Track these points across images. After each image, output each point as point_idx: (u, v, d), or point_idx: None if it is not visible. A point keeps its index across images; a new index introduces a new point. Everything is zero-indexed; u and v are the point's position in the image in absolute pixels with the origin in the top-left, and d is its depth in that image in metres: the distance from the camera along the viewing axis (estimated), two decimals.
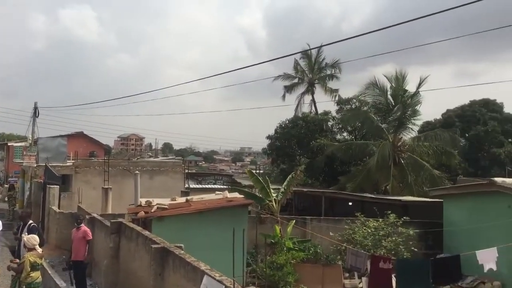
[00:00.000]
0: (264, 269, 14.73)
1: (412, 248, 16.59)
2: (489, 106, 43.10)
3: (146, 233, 10.79)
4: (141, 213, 13.60)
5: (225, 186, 30.44)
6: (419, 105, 28.67)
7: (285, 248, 16.05)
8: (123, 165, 27.13)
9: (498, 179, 15.61)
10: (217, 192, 16.83)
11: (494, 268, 12.32)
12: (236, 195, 16.37)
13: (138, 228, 11.39)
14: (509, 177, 23.75)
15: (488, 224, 15.14)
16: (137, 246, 10.72)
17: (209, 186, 34.82)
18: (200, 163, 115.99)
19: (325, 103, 60.31)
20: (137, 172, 20.67)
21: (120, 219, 12.94)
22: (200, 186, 34.67)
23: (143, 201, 15.20)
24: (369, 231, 16.91)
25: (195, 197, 15.73)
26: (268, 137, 36.87)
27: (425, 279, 13.37)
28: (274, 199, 18.27)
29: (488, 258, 12.12)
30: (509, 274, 14.33)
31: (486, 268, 12.33)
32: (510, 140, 40.88)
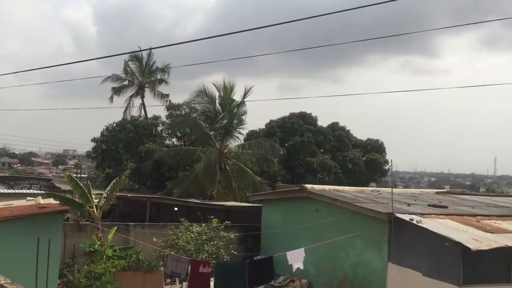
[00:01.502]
0: (80, 280, 13.87)
1: (232, 251, 17.31)
2: (306, 119, 47.44)
3: None
4: None
5: (42, 191, 27.88)
6: (245, 115, 30.18)
7: (104, 256, 15.33)
8: None
9: (308, 186, 17.19)
10: (29, 198, 15.34)
11: (302, 267, 13.51)
12: (51, 201, 15.11)
13: None
14: (320, 184, 26.35)
15: (299, 226, 16.57)
16: None
17: (23, 191, 31.50)
18: (15, 166, 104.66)
19: (155, 108, 59.65)
20: None
21: None
22: (11, 191, 31.14)
23: None
24: (192, 236, 17.17)
25: (1, 204, 14.09)
26: (94, 139, 35.02)
27: (242, 280, 14.05)
28: (96, 205, 17.34)
29: (296, 258, 13.22)
30: (316, 272, 15.82)
31: (294, 268, 13.45)
32: (321, 150, 45.45)
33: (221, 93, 29.74)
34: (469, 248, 10.27)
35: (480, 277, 11.16)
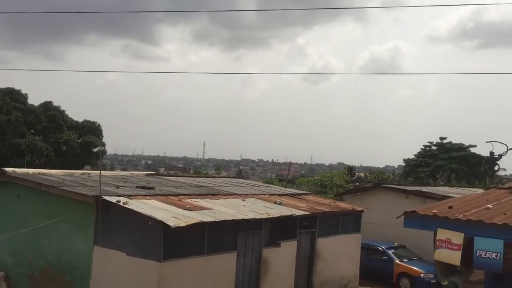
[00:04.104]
0: None
1: None
2: (14, 96, 42.73)
3: None
4: None
5: None
6: None
7: None
8: None
9: (9, 169, 15.51)
10: None
11: None
12: None
13: None
14: (29, 167, 24.10)
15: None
16: None
17: None
18: None
19: None
20: None
21: None
22: None
23: None
24: None
25: None
26: None
27: None
28: None
29: None
30: (15, 263, 14.45)
31: None
32: (32, 131, 41.74)
33: None
34: (169, 226, 11.02)
35: (180, 252, 12.10)
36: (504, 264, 5.81)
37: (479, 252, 5.85)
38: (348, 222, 18.38)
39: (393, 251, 20.00)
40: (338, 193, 28.28)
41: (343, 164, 57.28)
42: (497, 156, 11.97)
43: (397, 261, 19.40)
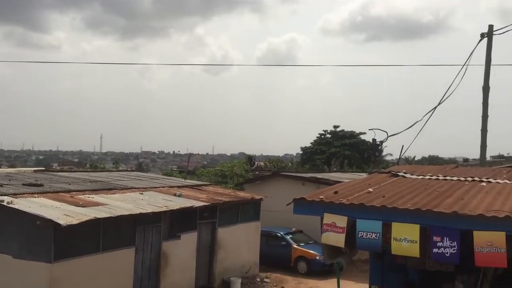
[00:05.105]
0: None
1: None
2: None
3: None
4: None
5: None
6: None
7: None
8: None
9: None
10: None
11: None
12: None
13: None
14: None
15: None
16: None
17: None
18: None
19: None
20: None
21: None
22: None
23: None
24: None
25: None
26: None
27: None
28: None
29: None
30: None
31: None
32: None
33: None
34: (59, 224, 10.46)
35: (73, 251, 11.55)
36: (383, 243, 6.28)
37: (361, 234, 6.28)
38: (248, 210, 18.76)
39: (290, 236, 20.80)
40: (238, 182, 28.71)
41: (245, 153, 58.16)
42: (378, 142, 12.92)
43: (295, 246, 20.22)
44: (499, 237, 5.81)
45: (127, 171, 26.94)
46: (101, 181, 17.31)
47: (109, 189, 15.86)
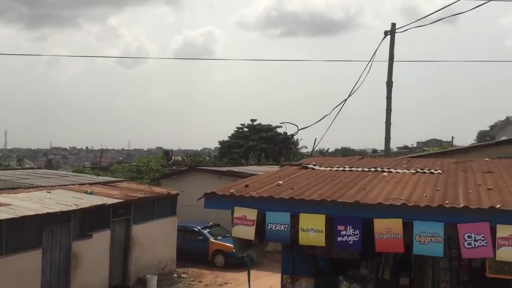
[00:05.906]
0: None
1: None
2: None
3: None
4: None
5: None
6: None
7: None
8: None
9: None
10: None
11: None
12: None
13: None
14: None
15: None
16: None
17: None
18: None
19: None
20: None
21: None
22: None
23: None
24: None
25: None
26: None
27: None
28: None
29: None
30: None
31: None
32: None
33: None
34: None
35: None
36: (292, 234, 6.48)
37: (270, 226, 6.43)
38: (164, 206, 18.52)
39: (208, 230, 20.83)
40: (155, 178, 28.21)
41: (162, 148, 57.16)
42: (289, 135, 13.25)
43: (212, 240, 20.28)
44: (397, 223, 6.20)
45: (33, 168, 25.44)
46: (3, 180, 16.24)
47: (12, 188, 14.95)
